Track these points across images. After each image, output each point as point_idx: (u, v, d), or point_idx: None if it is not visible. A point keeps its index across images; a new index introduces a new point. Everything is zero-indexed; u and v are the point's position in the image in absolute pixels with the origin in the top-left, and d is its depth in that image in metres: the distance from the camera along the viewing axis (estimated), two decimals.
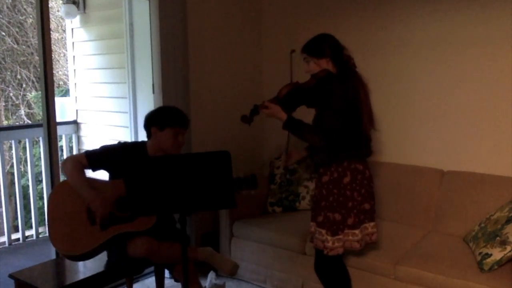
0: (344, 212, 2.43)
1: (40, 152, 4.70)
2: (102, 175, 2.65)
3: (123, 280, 3.03)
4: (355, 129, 2.42)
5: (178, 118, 2.58)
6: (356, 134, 2.43)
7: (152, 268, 3.00)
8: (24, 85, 7.69)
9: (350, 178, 2.43)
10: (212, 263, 2.72)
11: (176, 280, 2.69)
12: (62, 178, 3.22)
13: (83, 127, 4.58)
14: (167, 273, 3.32)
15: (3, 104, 7.71)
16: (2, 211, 4.69)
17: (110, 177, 2.61)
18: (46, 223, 2.40)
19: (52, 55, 2.99)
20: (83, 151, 4.28)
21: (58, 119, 3.06)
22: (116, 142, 2.67)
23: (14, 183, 4.41)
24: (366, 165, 2.51)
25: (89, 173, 2.58)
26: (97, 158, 2.52)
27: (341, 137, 2.37)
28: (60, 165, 2.64)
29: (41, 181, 4.61)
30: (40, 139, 4.42)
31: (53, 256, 3.03)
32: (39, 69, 5.21)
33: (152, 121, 2.58)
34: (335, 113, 2.34)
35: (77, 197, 2.44)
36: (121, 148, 2.59)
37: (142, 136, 3.18)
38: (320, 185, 2.50)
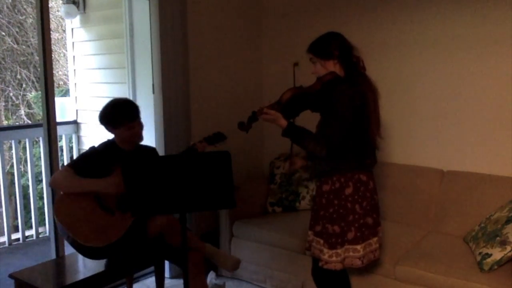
0: (344, 225, 2.29)
1: (40, 152, 4.70)
2: None
3: (123, 280, 3.03)
4: (360, 138, 2.28)
5: (125, 115, 2.60)
6: (361, 143, 2.30)
7: (152, 268, 3.01)
8: (24, 85, 7.69)
9: (353, 189, 2.29)
10: (214, 259, 2.74)
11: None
12: None
13: (83, 127, 4.59)
14: (167, 273, 3.33)
15: (3, 104, 7.72)
16: (2, 211, 4.68)
17: None
18: (66, 232, 2.39)
19: (52, 55, 2.99)
20: (83, 151, 4.30)
21: (58, 119, 3.06)
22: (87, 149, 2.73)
23: (14, 183, 4.41)
24: (370, 176, 2.36)
25: None
26: (79, 165, 2.56)
27: (345, 146, 2.24)
28: (50, 184, 2.67)
29: (41, 181, 4.61)
30: (40, 139, 4.42)
31: (53, 256, 3.03)
32: (39, 69, 5.21)
33: (103, 123, 2.63)
34: (339, 121, 2.21)
35: (82, 202, 2.46)
36: (95, 152, 2.65)
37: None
38: (321, 193, 2.36)
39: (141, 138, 2.72)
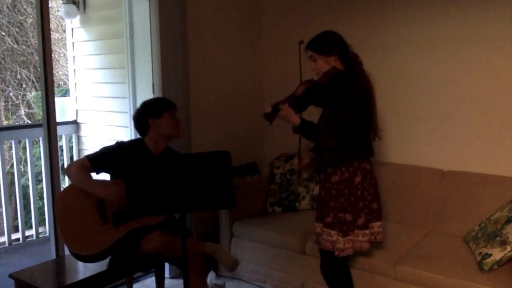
0: (355, 212, 2.40)
1: (40, 152, 4.70)
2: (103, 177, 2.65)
3: (123, 280, 3.03)
4: (364, 128, 2.41)
5: (167, 102, 2.70)
6: (364, 133, 2.43)
7: (152, 268, 3.00)
8: (24, 85, 7.69)
9: (361, 178, 2.40)
10: (217, 257, 2.74)
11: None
12: (62, 178, 3.21)
13: (83, 127, 4.58)
14: (167, 273, 3.33)
15: (3, 104, 7.72)
16: (2, 211, 4.68)
17: (112, 178, 2.62)
18: (58, 228, 2.39)
19: (52, 55, 2.99)
20: (83, 151, 4.29)
21: (58, 119, 3.05)
22: (113, 143, 2.68)
23: (14, 183, 4.40)
24: (372, 165, 2.49)
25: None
26: (99, 160, 2.53)
27: (352, 136, 2.35)
28: (64, 171, 2.65)
29: (41, 181, 4.61)
30: (40, 139, 4.42)
31: (53, 256, 3.03)
32: (39, 69, 5.21)
33: (147, 114, 2.63)
34: (348, 110, 2.30)
35: (85, 199, 2.45)
36: (120, 148, 2.61)
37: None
38: (329, 185, 2.44)
39: (179, 132, 2.70)
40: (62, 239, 2.96)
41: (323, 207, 2.49)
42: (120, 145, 2.64)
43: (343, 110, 2.31)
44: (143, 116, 2.64)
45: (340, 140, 2.32)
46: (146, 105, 2.69)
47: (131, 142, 2.68)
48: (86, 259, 2.44)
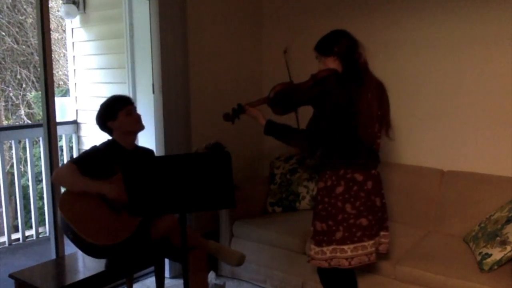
0: (332, 224, 2.25)
1: (40, 152, 4.70)
2: None
3: (123, 280, 3.03)
4: (348, 136, 2.24)
5: (119, 101, 2.71)
6: (350, 141, 2.25)
7: (152, 268, 3.01)
8: (24, 85, 7.69)
9: (344, 188, 2.23)
10: (218, 256, 2.75)
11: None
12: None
13: (83, 127, 4.59)
14: (167, 273, 3.34)
15: (3, 104, 7.72)
16: (2, 211, 4.69)
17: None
18: (70, 226, 2.36)
19: (52, 55, 2.99)
20: (83, 151, 4.29)
21: (58, 119, 3.06)
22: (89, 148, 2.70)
23: (14, 183, 4.41)
24: (369, 176, 2.27)
25: None
26: (85, 161, 2.54)
27: (330, 142, 2.23)
28: (52, 180, 2.64)
29: (41, 181, 4.61)
30: (40, 139, 4.43)
31: (53, 256, 3.03)
32: (39, 69, 5.21)
33: (104, 119, 2.66)
34: (323, 116, 2.21)
35: (89, 198, 2.44)
36: (97, 151, 2.63)
37: (141, 138, 3.19)
38: (317, 190, 2.36)
39: (142, 125, 2.72)
40: (62, 237, 2.97)
41: (313, 211, 2.42)
42: (95, 148, 2.66)
43: (317, 115, 2.25)
44: (102, 121, 2.67)
45: (312, 144, 2.26)
46: (101, 108, 2.70)
47: (104, 145, 2.69)
48: (110, 250, 2.41)
